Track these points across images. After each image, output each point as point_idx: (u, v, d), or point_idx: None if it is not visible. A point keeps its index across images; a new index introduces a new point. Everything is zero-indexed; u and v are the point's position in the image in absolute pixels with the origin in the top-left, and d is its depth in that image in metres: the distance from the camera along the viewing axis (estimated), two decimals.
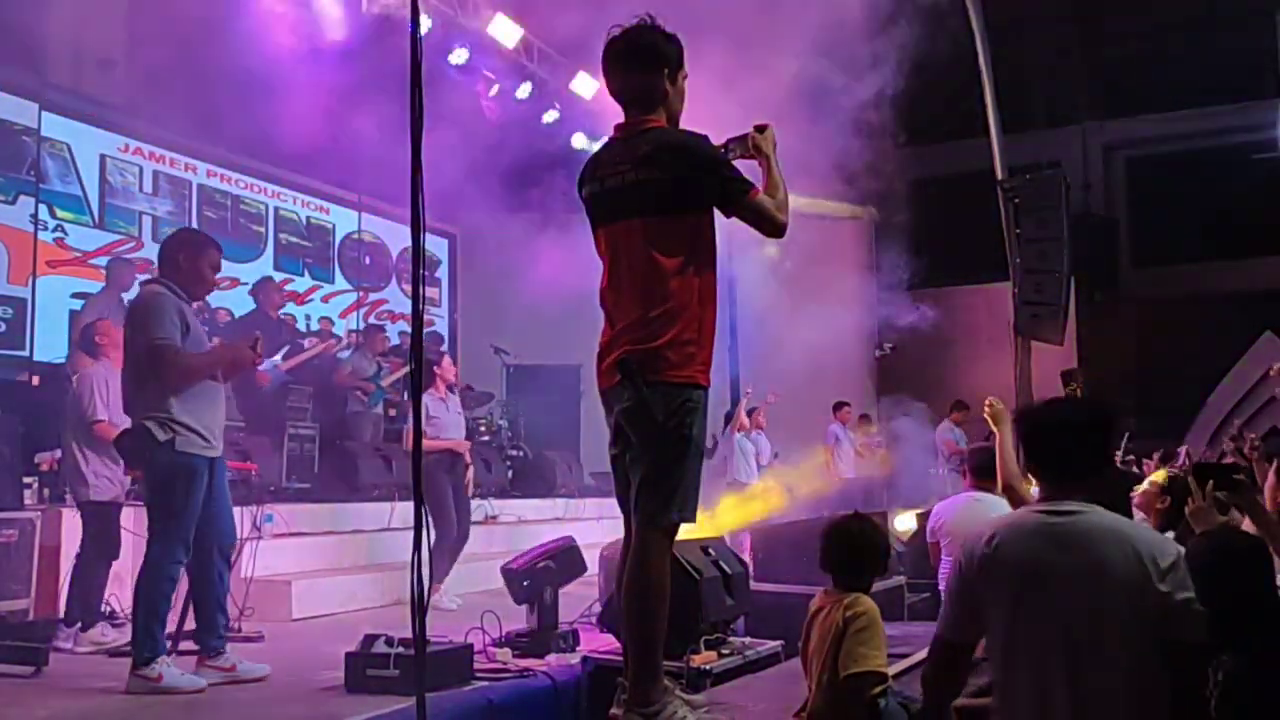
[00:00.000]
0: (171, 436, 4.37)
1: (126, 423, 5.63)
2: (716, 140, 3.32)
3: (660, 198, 3.12)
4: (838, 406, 12.89)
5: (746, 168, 3.32)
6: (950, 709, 2.58)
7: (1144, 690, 2.17)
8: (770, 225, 3.19)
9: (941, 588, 5.31)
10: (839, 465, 12.61)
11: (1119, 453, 9.01)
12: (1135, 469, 8.44)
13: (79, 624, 5.36)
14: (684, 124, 3.36)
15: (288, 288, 12.01)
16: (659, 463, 3.08)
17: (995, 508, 5.21)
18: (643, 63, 3.23)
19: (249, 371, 6.28)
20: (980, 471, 5.44)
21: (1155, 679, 2.18)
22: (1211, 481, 3.06)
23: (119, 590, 5.90)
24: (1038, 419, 2.54)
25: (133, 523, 5.96)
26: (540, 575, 5.17)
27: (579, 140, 11.25)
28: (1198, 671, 2.24)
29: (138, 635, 4.32)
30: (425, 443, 6.59)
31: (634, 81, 3.26)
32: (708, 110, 3.66)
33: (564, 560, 5.30)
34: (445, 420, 7.07)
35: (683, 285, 3.10)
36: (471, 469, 7.78)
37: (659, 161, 3.12)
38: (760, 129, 3.35)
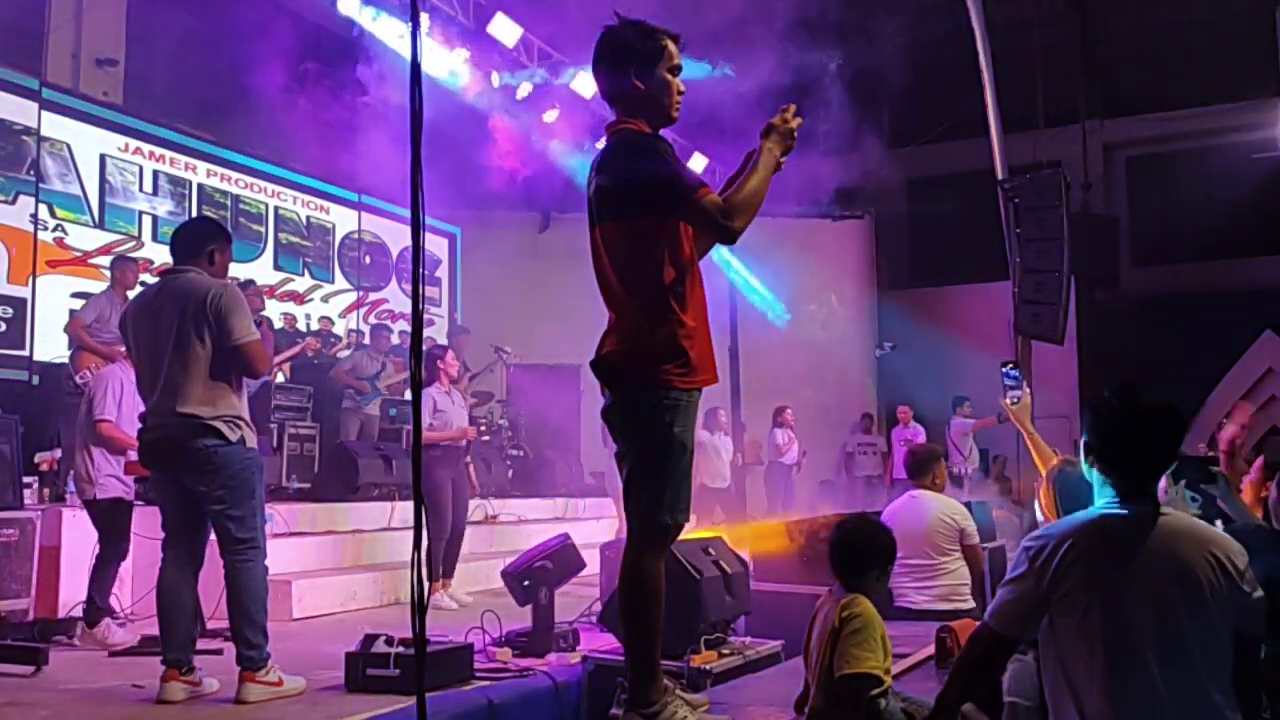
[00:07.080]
0: (241, 435, 4.21)
1: (132, 424, 5.66)
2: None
3: (610, 204, 3.07)
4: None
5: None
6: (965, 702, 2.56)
7: (1226, 682, 2.24)
8: (715, 229, 3.01)
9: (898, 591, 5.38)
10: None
11: None
12: None
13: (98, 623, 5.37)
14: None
15: (287, 286, 12.03)
16: (642, 464, 3.04)
17: (931, 504, 5.40)
18: (610, 62, 3.16)
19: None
20: (916, 470, 5.57)
21: (1229, 670, 2.25)
22: (1184, 480, 3.06)
23: (119, 590, 5.91)
24: (1129, 418, 2.38)
25: (138, 524, 5.97)
26: (538, 575, 5.17)
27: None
28: (1253, 659, 2.32)
29: (257, 642, 4.12)
30: (429, 434, 6.69)
31: (606, 82, 3.20)
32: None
33: (561, 559, 5.30)
34: (451, 414, 7.12)
35: (651, 289, 3.03)
36: (472, 466, 7.78)
37: (606, 167, 3.09)
38: (781, 118, 3.13)
